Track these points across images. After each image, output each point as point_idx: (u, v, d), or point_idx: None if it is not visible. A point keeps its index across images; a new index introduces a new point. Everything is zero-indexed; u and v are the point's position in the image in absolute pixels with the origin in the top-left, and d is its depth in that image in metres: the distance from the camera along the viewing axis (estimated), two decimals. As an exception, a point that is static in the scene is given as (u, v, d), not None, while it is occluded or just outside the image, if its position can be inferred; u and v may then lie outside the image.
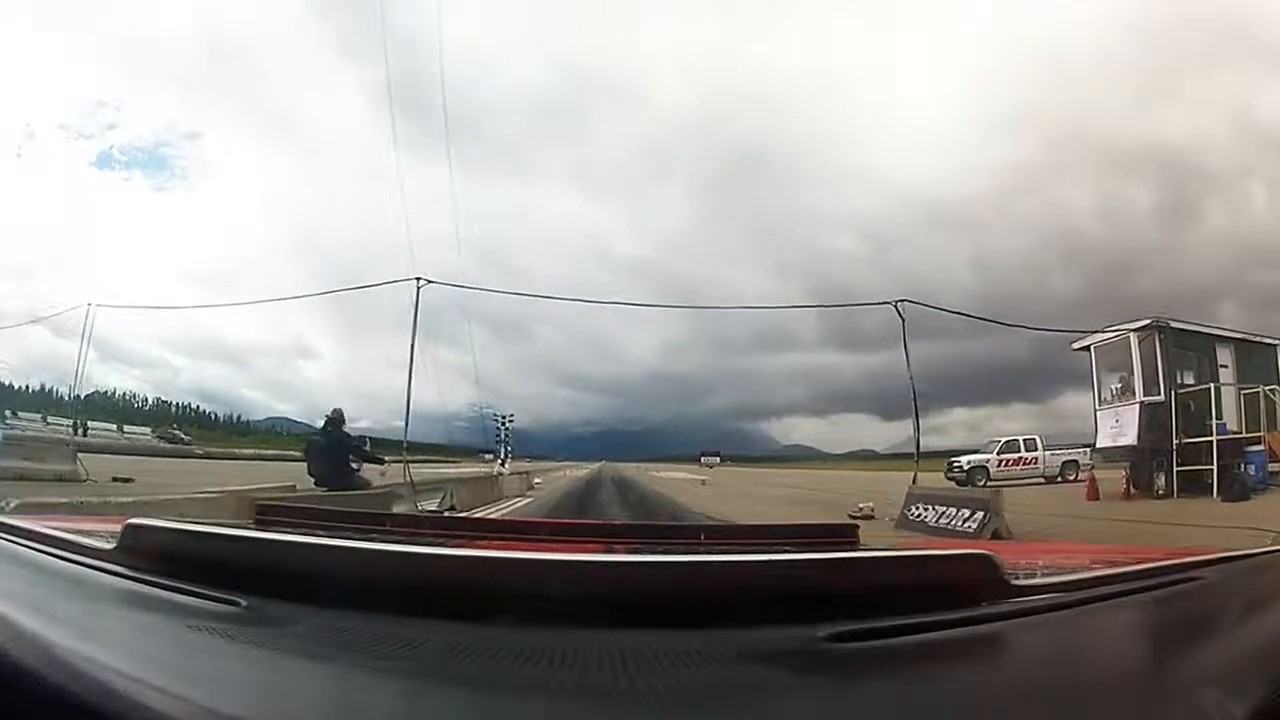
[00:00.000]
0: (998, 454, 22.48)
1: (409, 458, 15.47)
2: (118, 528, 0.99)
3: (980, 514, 10.40)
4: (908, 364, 16.52)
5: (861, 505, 12.70)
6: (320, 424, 11.88)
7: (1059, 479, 21.78)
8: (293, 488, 9.57)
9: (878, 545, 1.79)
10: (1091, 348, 17.02)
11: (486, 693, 0.68)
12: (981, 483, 20.92)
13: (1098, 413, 16.60)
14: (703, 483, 33.05)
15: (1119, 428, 15.66)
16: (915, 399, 17.13)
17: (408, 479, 14.22)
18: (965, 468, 22.40)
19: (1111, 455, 16.16)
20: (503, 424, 33.83)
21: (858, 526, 1.82)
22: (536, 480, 29.55)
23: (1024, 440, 23.04)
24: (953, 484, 21.79)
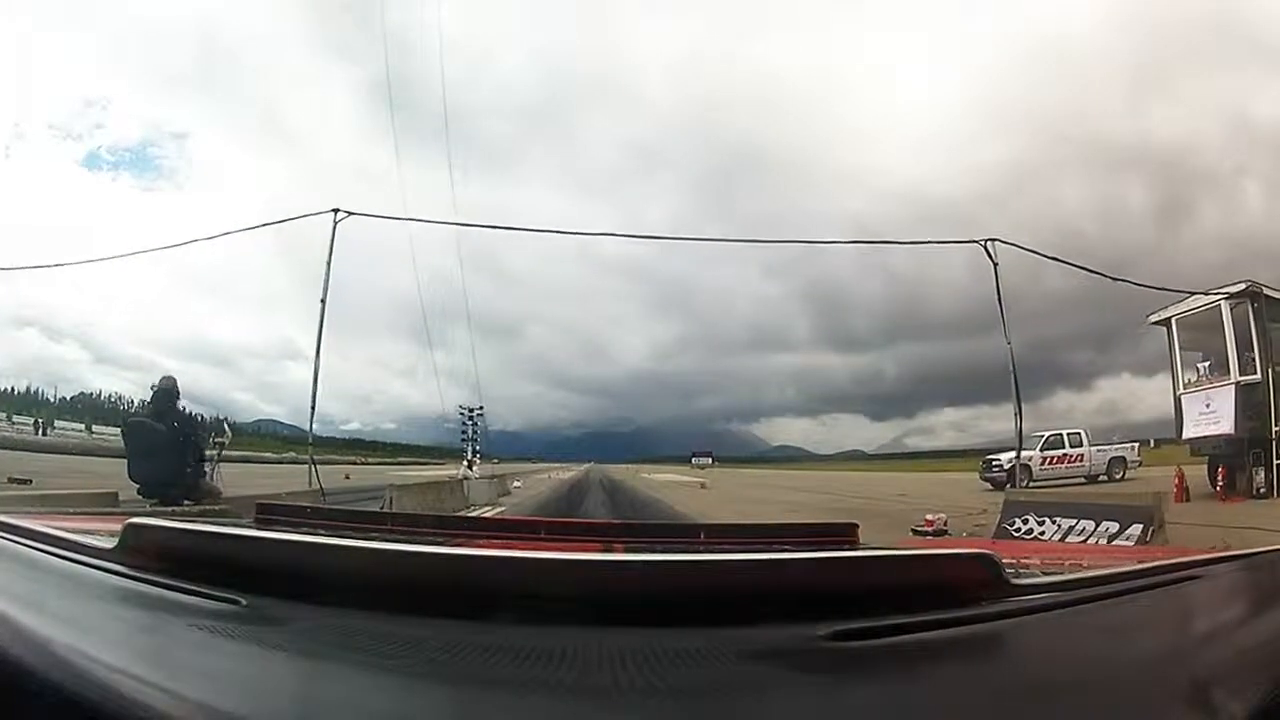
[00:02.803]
0: (1040, 450, 19.78)
1: (317, 454, 13.07)
2: (118, 527, 0.99)
3: (1137, 528, 7.46)
4: (1001, 316, 13.86)
5: (930, 517, 10.72)
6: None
7: (1104, 477, 19.52)
8: (114, 496, 6.76)
9: (877, 545, 1.79)
10: (1172, 320, 14.26)
11: (487, 692, 0.68)
12: (1024, 483, 18.60)
13: (1182, 397, 13.98)
14: (702, 486, 31.78)
15: (1211, 414, 13.12)
16: (1014, 370, 13.81)
17: (314, 484, 11.47)
18: (1005, 466, 19.66)
19: (1201, 447, 13.65)
20: (470, 418, 27.28)
21: (857, 526, 1.80)
22: (516, 483, 26.53)
23: (1068, 435, 20.49)
24: (989, 485, 19.88)
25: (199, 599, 0.84)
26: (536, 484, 32.39)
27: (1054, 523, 8.57)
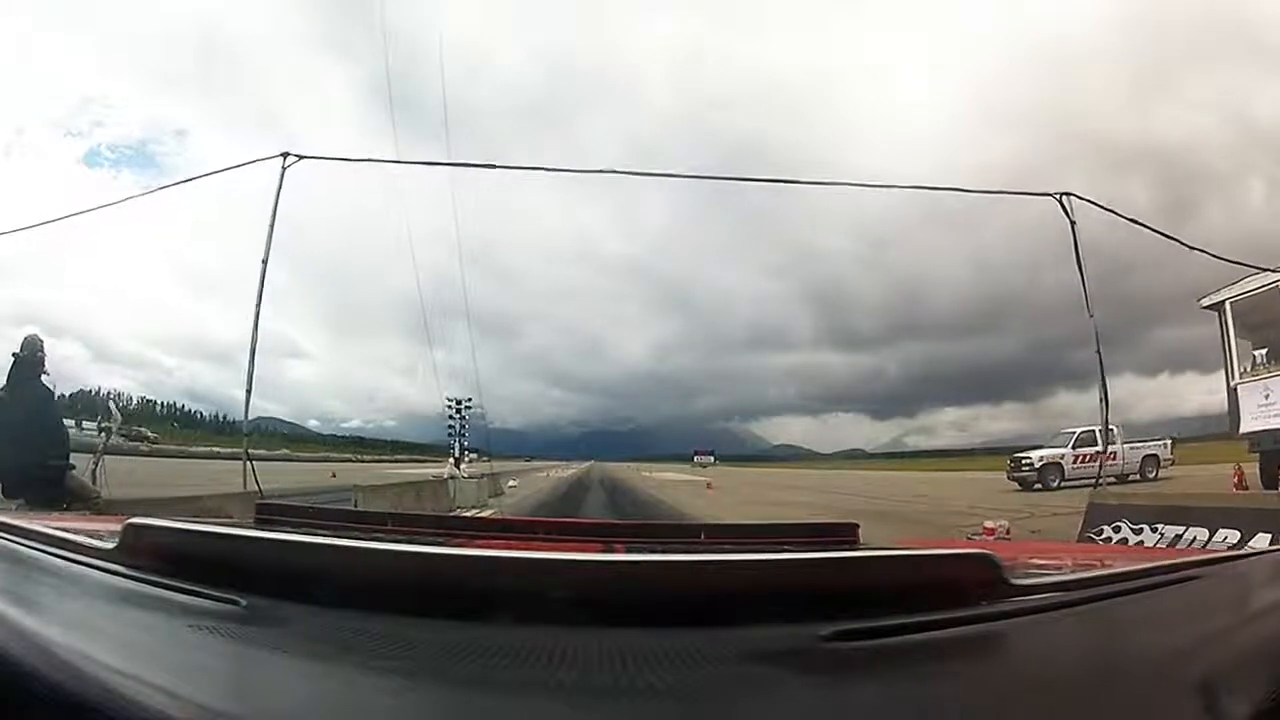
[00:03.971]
0: (1072, 448, 19.18)
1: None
2: (118, 527, 0.99)
3: (1265, 537, 6.03)
4: (1082, 282, 11.91)
5: (989, 524, 9.37)
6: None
7: (1135, 476, 18.53)
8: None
9: (877, 545, 1.79)
10: (1225, 304, 13.21)
11: (486, 692, 0.68)
12: (1055, 483, 18.39)
13: (1237, 387, 12.95)
14: (707, 485, 31.04)
15: (1271, 406, 12.13)
16: (1100, 350, 11.65)
17: (250, 484, 9.78)
18: (1036, 465, 19.34)
19: (1261, 441, 12.53)
20: (458, 412, 25.27)
21: (858, 526, 1.80)
22: (512, 483, 24.55)
23: (1099, 431, 18.62)
24: (1017, 485, 19.39)
25: (199, 599, 0.84)
26: (533, 483, 31.26)
27: (1155, 531, 7.05)
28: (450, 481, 18.40)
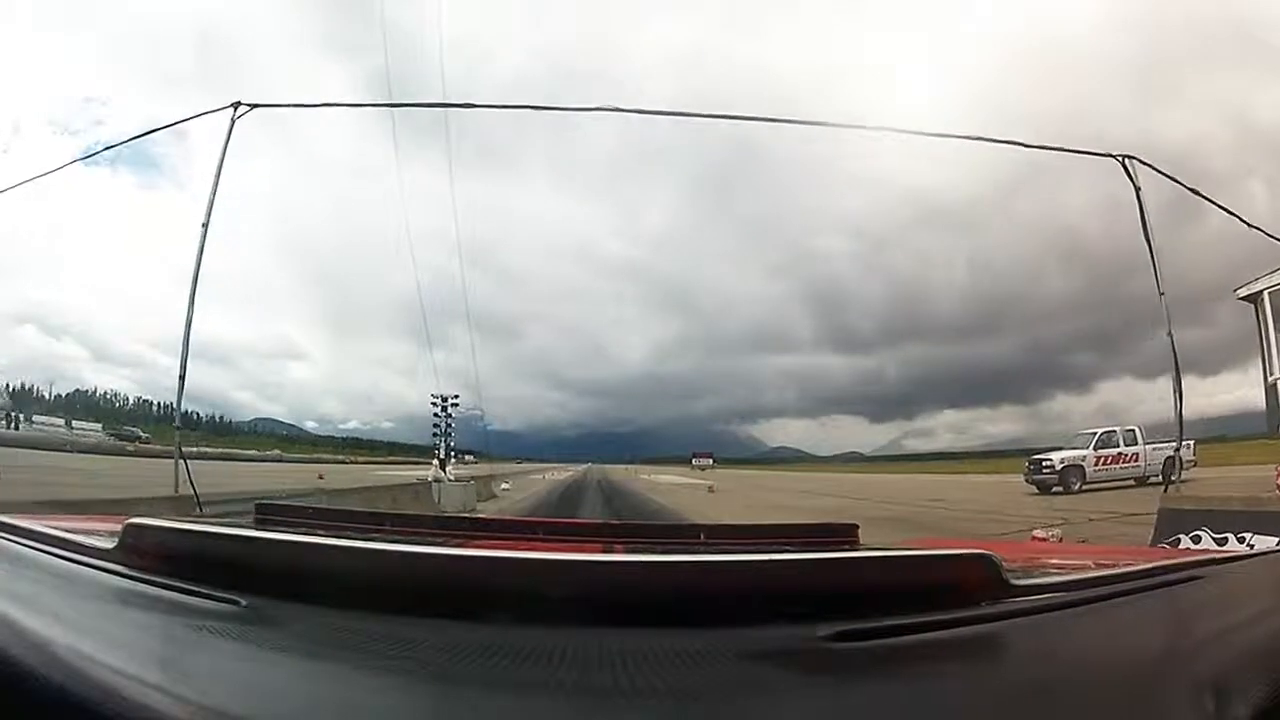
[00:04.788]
0: (1094, 449, 18.36)
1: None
2: (118, 527, 0.99)
3: None
4: (1151, 253, 11.08)
5: (1040, 533, 8.34)
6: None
7: (1158, 479, 17.15)
8: None
9: (877, 545, 1.79)
10: (1264, 294, 12.76)
11: (486, 692, 0.68)
12: (1076, 486, 17.58)
13: (1277, 383, 12.59)
14: (709, 489, 30.92)
15: None
16: (1171, 333, 10.96)
17: (183, 485, 8.75)
18: (1057, 467, 18.37)
19: None
20: (443, 410, 24.13)
21: (857, 526, 1.80)
22: (505, 486, 23.26)
23: (1122, 433, 18.57)
24: (1035, 488, 18.49)
25: (198, 599, 0.84)
26: (528, 485, 30.34)
27: (1241, 540, 6.01)
28: (435, 485, 17.23)
